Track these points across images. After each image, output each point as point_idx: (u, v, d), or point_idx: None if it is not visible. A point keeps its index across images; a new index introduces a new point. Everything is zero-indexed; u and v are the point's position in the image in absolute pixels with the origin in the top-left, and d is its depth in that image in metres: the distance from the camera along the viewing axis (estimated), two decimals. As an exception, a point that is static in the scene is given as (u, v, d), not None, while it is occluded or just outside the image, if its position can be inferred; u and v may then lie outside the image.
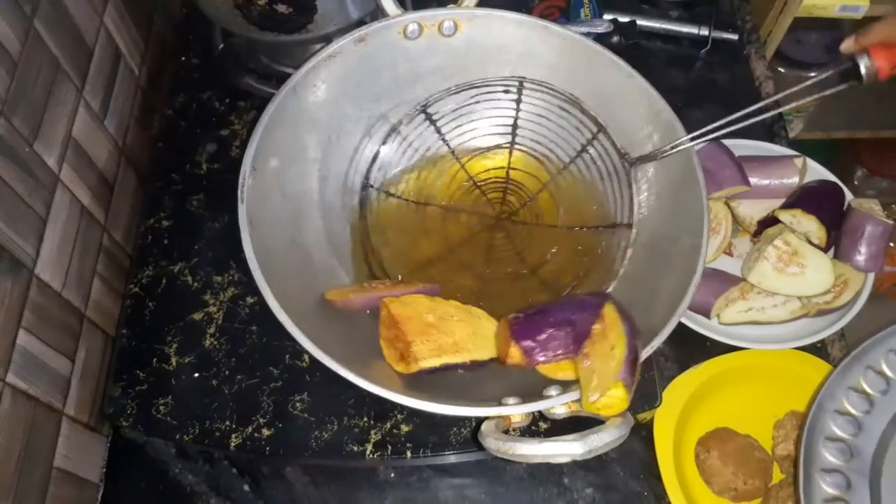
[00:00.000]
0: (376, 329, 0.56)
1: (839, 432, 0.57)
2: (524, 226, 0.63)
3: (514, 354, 0.48)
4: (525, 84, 0.63)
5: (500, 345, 0.52)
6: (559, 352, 0.48)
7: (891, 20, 0.51)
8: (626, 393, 0.44)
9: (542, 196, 0.64)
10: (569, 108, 0.62)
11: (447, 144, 0.65)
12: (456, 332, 0.53)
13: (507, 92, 0.64)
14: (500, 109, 0.65)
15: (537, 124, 0.64)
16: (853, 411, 0.58)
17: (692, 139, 0.54)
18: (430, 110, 0.64)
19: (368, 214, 0.63)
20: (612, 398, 0.45)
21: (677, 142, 0.55)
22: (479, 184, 0.65)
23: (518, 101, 0.64)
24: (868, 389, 0.59)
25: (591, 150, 0.62)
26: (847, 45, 0.53)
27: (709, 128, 0.54)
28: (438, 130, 0.65)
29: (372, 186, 0.64)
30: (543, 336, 0.48)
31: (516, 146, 0.66)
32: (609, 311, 0.48)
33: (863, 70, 0.49)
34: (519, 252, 0.62)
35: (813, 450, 0.57)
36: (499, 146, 0.66)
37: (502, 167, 0.66)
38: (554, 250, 0.62)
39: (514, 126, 0.65)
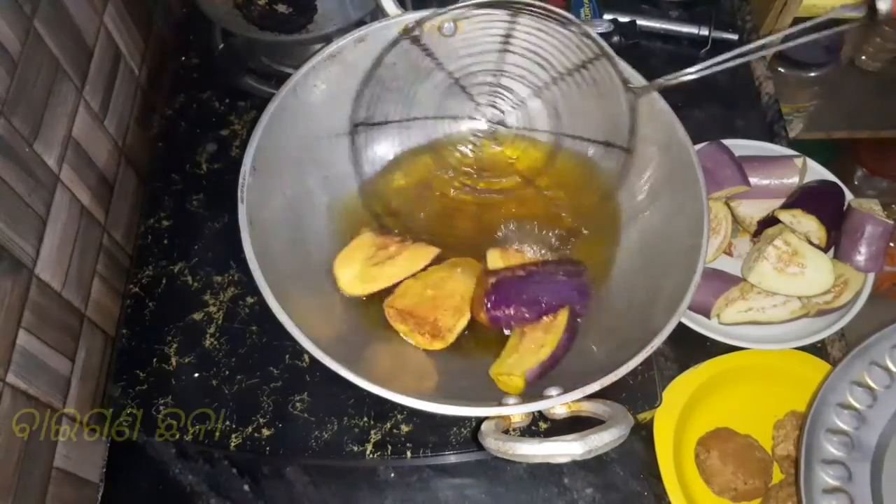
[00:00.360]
0: (376, 329, 0.56)
1: (842, 425, 0.57)
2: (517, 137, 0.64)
3: (484, 318, 0.55)
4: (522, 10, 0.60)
5: (475, 299, 0.57)
6: (522, 323, 0.55)
7: None
8: (522, 386, 0.51)
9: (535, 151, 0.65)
10: (571, 27, 0.58)
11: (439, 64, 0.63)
12: (456, 291, 0.58)
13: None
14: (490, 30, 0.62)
15: (532, 44, 0.61)
16: (856, 405, 0.58)
17: (698, 71, 0.54)
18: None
19: (368, 207, 0.63)
20: (511, 381, 0.51)
21: (683, 72, 0.54)
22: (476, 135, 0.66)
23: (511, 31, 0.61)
24: (871, 384, 0.59)
25: (592, 69, 0.60)
26: None
27: (711, 61, 0.54)
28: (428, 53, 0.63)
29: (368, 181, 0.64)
30: (511, 311, 0.54)
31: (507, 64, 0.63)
32: (563, 316, 0.54)
33: (881, 7, 0.46)
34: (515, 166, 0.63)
35: (815, 441, 0.57)
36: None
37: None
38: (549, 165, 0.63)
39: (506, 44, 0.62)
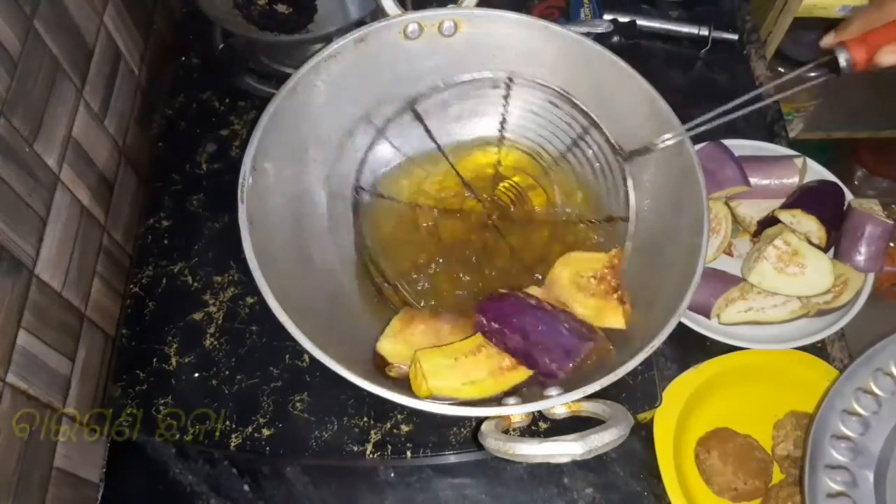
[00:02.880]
0: (376, 329, 0.56)
1: (847, 431, 0.58)
2: (517, 222, 0.63)
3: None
4: (514, 79, 0.62)
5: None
6: (498, 345, 0.51)
7: (867, 11, 0.53)
8: (424, 396, 0.48)
9: (534, 193, 0.64)
10: (559, 103, 0.62)
11: (435, 142, 0.65)
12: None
13: (495, 88, 0.63)
14: (489, 106, 0.65)
15: (528, 119, 0.64)
16: (861, 411, 0.58)
17: (686, 130, 0.55)
18: (417, 108, 0.64)
19: (364, 217, 0.63)
20: (420, 381, 0.49)
21: (667, 136, 0.55)
22: (467, 183, 0.65)
23: (507, 98, 0.64)
24: (877, 391, 0.59)
25: (584, 146, 0.62)
26: (827, 41, 0.55)
27: (698, 121, 0.54)
28: (427, 129, 0.65)
29: (364, 189, 0.63)
30: (496, 326, 0.51)
31: (506, 141, 0.65)
32: (520, 375, 0.50)
33: (842, 63, 0.51)
34: (514, 249, 0.62)
35: (820, 447, 0.57)
36: (487, 143, 0.66)
37: (492, 163, 0.66)
38: (548, 246, 0.62)
39: (503, 122, 0.65)
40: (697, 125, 0.54)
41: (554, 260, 0.58)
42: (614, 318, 0.54)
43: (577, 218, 0.62)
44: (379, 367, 0.53)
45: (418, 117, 0.64)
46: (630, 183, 0.59)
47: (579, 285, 0.56)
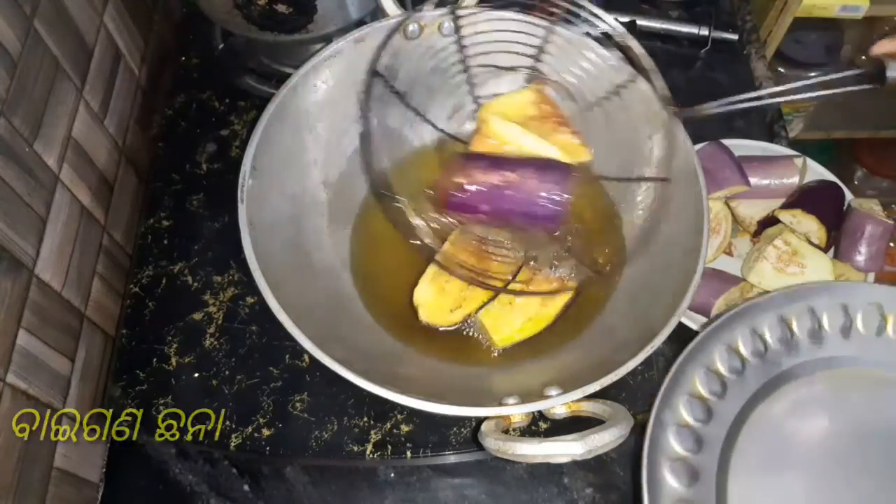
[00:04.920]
0: (376, 329, 0.56)
1: (688, 419, 0.51)
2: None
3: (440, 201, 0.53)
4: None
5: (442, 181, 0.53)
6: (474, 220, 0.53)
7: None
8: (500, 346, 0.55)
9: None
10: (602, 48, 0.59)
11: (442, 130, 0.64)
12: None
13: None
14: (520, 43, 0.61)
15: (564, 63, 0.61)
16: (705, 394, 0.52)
17: (748, 100, 0.54)
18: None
19: (366, 216, 0.63)
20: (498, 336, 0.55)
21: (714, 103, 0.55)
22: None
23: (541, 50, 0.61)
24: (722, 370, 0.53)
25: (623, 96, 0.59)
26: (880, 48, 0.52)
27: (751, 95, 0.54)
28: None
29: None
30: (468, 214, 0.52)
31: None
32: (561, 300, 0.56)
33: (892, 74, 0.49)
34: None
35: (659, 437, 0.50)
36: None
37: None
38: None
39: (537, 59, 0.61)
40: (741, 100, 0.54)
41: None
42: (579, 153, 0.53)
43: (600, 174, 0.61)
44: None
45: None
46: (679, 138, 0.56)
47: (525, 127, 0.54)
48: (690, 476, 0.48)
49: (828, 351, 0.54)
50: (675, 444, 0.49)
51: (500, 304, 0.56)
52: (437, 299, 0.57)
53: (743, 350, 0.54)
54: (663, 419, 0.50)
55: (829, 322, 0.55)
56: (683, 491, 0.48)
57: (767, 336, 0.54)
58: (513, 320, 0.56)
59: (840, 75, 0.52)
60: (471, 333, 0.58)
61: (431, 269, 0.58)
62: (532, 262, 0.58)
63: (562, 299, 0.57)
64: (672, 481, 0.48)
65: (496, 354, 0.56)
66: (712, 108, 0.54)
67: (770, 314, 0.55)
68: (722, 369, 0.53)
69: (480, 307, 0.57)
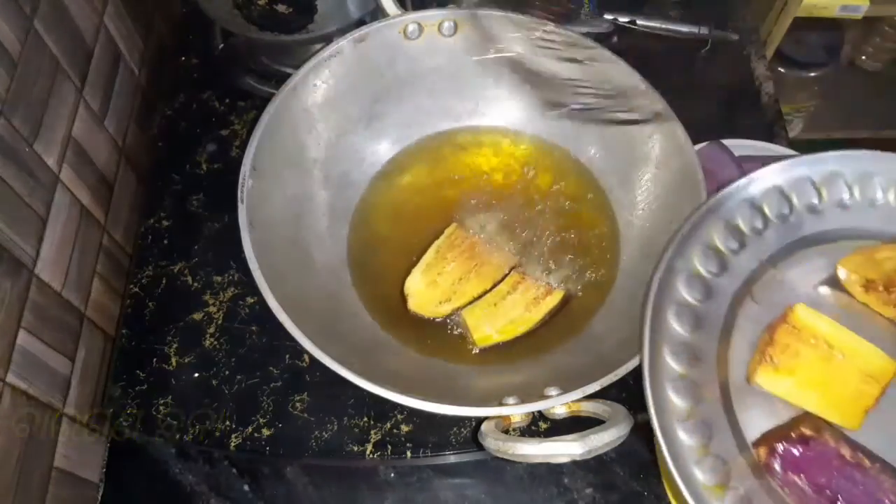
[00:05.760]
0: (376, 328, 0.56)
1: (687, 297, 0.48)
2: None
3: (763, 454, 0.42)
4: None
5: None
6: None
7: None
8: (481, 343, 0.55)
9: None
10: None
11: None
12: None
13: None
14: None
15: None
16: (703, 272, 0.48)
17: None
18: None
19: (365, 216, 0.63)
20: (478, 332, 0.56)
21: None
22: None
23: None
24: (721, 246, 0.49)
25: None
26: None
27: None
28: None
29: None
30: (796, 480, 0.40)
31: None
32: (554, 298, 0.58)
33: None
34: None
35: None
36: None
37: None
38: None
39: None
40: None
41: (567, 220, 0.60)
42: None
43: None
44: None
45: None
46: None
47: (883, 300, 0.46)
48: (695, 323, 0.46)
49: (854, 221, 0.51)
50: (683, 291, 0.47)
51: (486, 304, 0.57)
52: (428, 291, 0.58)
53: (767, 209, 0.50)
54: (674, 266, 0.48)
55: (860, 191, 0.53)
56: (686, 336, 0.45)
57: (794, 198, 0.51)
58: (495, 320, 0.56)
59: None
60: (455, 331, 0.58)
61: (425, 261, 0.59)
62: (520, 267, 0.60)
63: (546, 306, 0.57)
64: (676, 325, 0.46)
65: (475, 352, 0.57)
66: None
67: (801, 175, 0.52)
68: (743, 225, 0.49)
69: (468, 304, 0.58)
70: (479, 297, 0.58)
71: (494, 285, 0.58)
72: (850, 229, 0.51)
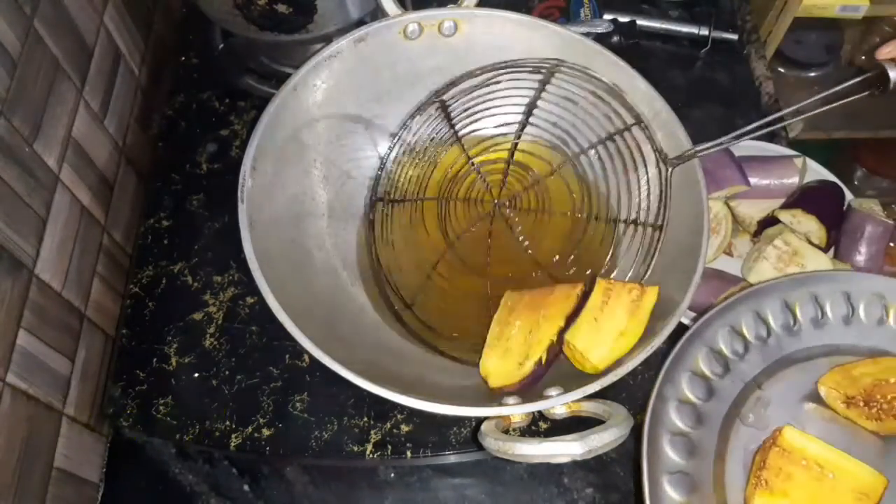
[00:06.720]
0: (377, 328, 0.56)
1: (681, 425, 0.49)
2: (529, 214, 0.62)
3: None
4: (561, 67, 0.58)
5: None
6: None
7: None
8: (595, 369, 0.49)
9: (551, 181, 0.62)
10: (604, 97, 0.58)
11: (454, 132, 0.63)
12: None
13: (535, 72, 0.60)
14: (520, 90, 0.61)
15: (560, 108, 0.61)
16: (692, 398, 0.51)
17: (734, 139, 0.53)
18: (445, 98, 0.62)
19: (372, 219, 0.63)
20: (585, 361, 0.49)
21: (706, 145, 0.54)
22: (478, 166, 0.63)
23: (545, 83, 0.60)
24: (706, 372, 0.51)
25: (619, 141, 0.59)
26: (885, 52, 0.52)
27: (746, 129, 0.53)
28: (448, 117, 0.63)
29: (379, 198, 0.63)
30: None
31: (529, 125, 0.63)
32: (651, 295, 0.50)
33: (894, 76, 0.48)
34: (524, 244, 0.61)
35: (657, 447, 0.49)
36: (506, 129, 0.64)
37: (506, 149, 0.64)
38: (563, 243, 0.60)
39: (531, 108, 0.62)
40: (739, 136, 0.53)
41: (565, 254, 0.57)
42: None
43: (596, 216, 0.60)
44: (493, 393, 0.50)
45: (444, 111, 0.63)
46: (669, 192, 0.55)
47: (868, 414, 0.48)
48: (690, 450, 0.48)
49: (829, 338, 0.54)
50: (675, 419, 0.49)
51: (586, 321, 0.50)
52: (503, 362, 0.52)
53: (746, 333, 0.53)
54: (665, 394, 0.50)
55: (832, 310, 0.55)
56: (682, 463, 0.47)
57: (771, 320, 0.54)
58: (604, 337, 0.49)
59: (843, 86, 0.52)
60: (454, 332, 0.57)
61: (491, 336, 0.53)
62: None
63: (647, 305, 0.50)
64: (671, 454, 0.47)
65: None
66: (705, 149, 0.54)
67: (774, 299, 0.55)
68: (725, 350, 0.52)
69: (551, 343, 0.51)
70: (558, 334, 0.51)
71: (569, 317, 0.52)
72: (827, 346, 0.54)
